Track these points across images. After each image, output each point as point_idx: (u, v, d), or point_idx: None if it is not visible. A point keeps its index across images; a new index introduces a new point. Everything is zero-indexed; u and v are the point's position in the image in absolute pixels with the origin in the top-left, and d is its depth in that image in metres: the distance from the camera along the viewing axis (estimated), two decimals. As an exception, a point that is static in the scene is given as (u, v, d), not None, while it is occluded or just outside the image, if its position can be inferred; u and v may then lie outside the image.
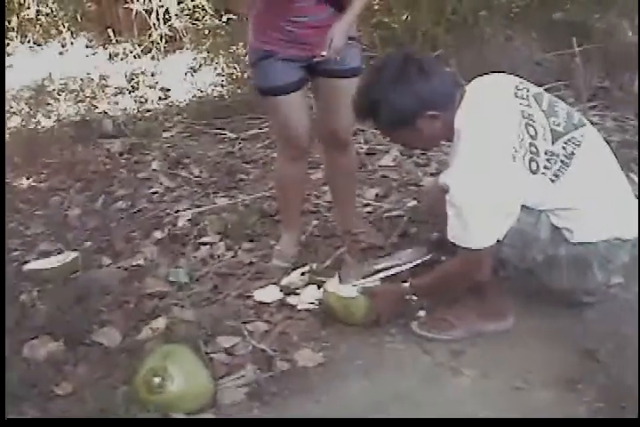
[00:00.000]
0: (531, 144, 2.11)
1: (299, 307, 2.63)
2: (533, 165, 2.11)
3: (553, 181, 2.14)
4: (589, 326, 2.36)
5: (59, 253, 3.23)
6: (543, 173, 2.13)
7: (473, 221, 2.08)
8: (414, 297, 2.41)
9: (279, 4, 2.54)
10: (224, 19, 6.54)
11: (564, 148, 2.16)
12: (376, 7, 5.72)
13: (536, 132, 2.13)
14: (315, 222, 3.31)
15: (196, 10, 6.82)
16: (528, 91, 2.24)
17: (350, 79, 2.63)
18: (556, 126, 2.18)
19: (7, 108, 5.72)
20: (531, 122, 2.14)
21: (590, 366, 2.16)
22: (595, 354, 2.19)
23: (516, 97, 2.19)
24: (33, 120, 5.38)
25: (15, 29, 7.55)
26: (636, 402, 1.93)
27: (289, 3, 2.51)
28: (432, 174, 3.62)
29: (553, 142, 2.15)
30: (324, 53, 2.49)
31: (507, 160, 2.07)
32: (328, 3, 2.55)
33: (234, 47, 6.00)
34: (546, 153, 2.13)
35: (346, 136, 2.90)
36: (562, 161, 2.15)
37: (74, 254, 3.12)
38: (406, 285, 2.39)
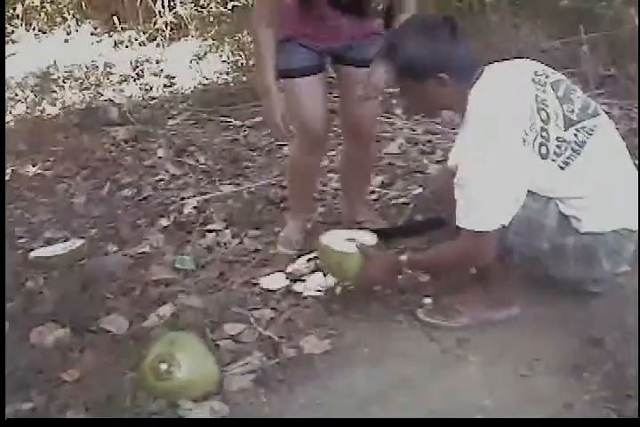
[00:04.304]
0: (542, 129, 2.09)
1: (305, 294, 2.63)
2: (543, 150, 2.09)
3: (562, 168, 2.12)
4: (596, 314, 2.35)
5: (64, 241, 3.24)
6: (553, 160, 2.11)
7: (479, 202, 2.07)
8: (409, 271, 2.40)
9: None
10: (229, 6, 6.52)
11: (575, 135, 2.14)
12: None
13: (548, 117, 2.11)
14: (321, 209, 3.31)
15: (201, -3, 6.81)
16: (547, 77, 2.21)
17: None
18: (570, 113, 2.15)
19: (12, 95, 5.74)
20: (543, 106, 2.12)
21: (596, 354, 2.16)
22: (601, 342, 2.19)
23: (533, 82, 2.17)
24: (38, 108, 5.39)
25: (20, 17, 7.54)
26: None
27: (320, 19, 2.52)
28: (438, 162, 3.61)
29: (565, 129, 2.13)
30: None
31: (516, 142, 2.05)
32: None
33: (239, 35, 5.98)
34: (557, 139, 2.11)
35: (370, 127, 2.87)
36: (572, 148, 2.13)
37: (80, 242, 3.13)
38: (403, 257, 2.38)
